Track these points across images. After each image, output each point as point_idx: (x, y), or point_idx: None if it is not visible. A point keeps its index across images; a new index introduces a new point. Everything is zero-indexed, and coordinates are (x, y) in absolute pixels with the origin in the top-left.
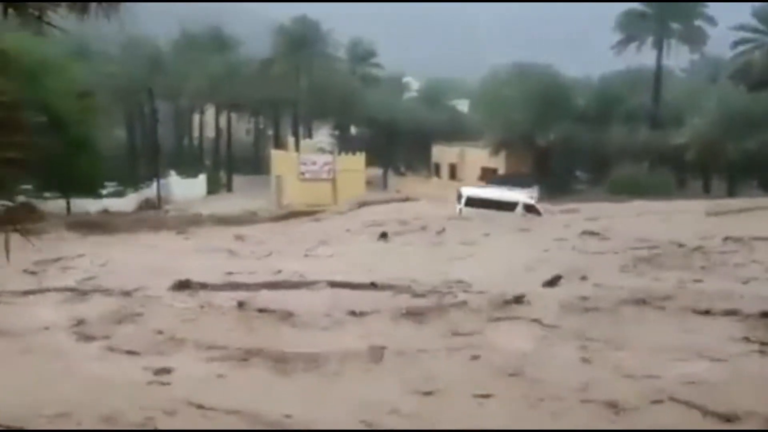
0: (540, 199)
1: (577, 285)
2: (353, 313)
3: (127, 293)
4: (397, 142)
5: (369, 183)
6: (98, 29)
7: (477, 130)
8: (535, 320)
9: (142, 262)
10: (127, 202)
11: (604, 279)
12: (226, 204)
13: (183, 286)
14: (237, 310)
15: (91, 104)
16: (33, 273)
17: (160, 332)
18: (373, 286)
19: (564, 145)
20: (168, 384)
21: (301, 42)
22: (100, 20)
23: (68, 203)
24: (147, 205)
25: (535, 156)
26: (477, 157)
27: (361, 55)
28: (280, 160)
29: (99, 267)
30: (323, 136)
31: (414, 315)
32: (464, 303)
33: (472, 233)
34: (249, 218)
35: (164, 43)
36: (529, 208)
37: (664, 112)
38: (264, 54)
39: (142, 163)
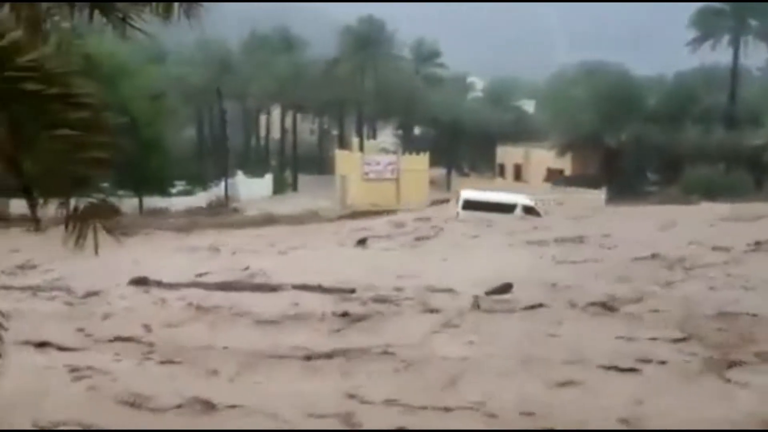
0: (609, 200)
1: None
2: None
3: None
4: (461, 143)
5: (432, 183)
6: (172, 31)
7: (543, 130)
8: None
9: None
10: (196, 201)
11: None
12: (291, 204)
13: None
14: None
15: (162, 106)
16: None
17: None
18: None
19: (634, 146)
20: None
21: (367, 42)
22: (182, 23)
23: (140, 201)
24: (216, 204)
25: (604, 157)
26: (542, 158)
27: (425, 54)
28: (344, 160)
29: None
30: (387, 136)
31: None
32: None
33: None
34: (311, 218)
35: (234, 45)
36: (528, 210)
37: (740, 112)
38: (329, 55)
39: (210, 162)
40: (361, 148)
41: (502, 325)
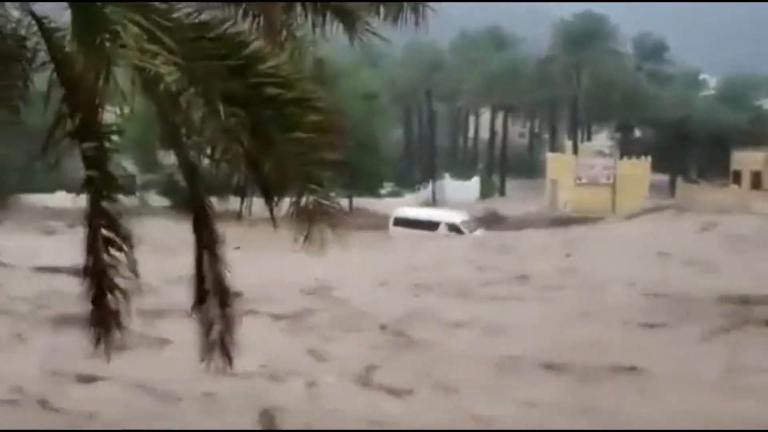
0: None
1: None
2: None
3: None
4: (689, 146)
5: (653, 190)
6: (385, 34)
7: None
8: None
9: None
10: (404, 203)
11: None
12: (498, 208)
13: None
14: None
15: (375, 107)
16: None
17: None
18: None
19: None
20: None
21: (584, 38)
22: (410, 25)
23: (351, 202)
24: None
25: None
26: None
27: (650, 50)
28: (556, 163)
29: None
30: (603, 138)
31: None
32: None
33: None
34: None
35: (444, 45)
36: (452, 228)
37: None
38: (544, 52)
39: (418, 164)
40: (575, 151)
41: None
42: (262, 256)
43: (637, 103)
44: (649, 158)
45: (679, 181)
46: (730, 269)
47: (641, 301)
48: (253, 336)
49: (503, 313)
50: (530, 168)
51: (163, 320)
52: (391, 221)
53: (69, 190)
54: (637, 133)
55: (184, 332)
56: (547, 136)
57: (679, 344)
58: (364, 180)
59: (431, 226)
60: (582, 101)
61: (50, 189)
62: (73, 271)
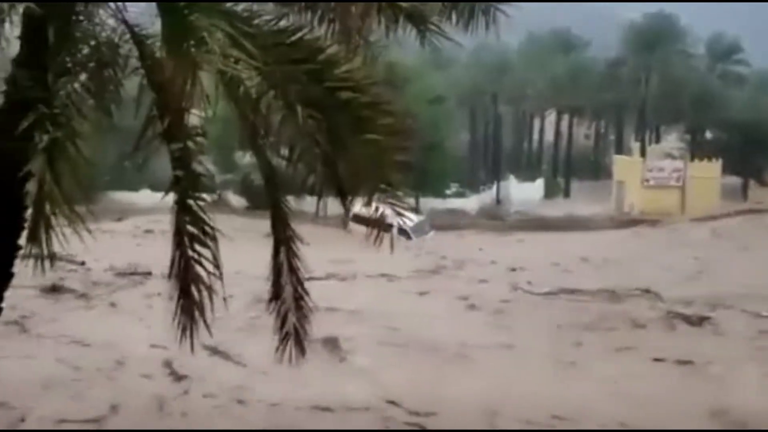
0: None
1: None
2: None
3: None
4: (762, 148)
5: (725, 193)
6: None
7: None
8: None
9: None
10: (468, 204)
11: None
12: (561, 209)
13: None
14: None
15: (442, 110)
16: None
17: None
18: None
19: None
20: None
21: (655, 39)
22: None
23: (417, 202)
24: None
25: None
26: None
27: (723, 51)
28: (622, 165)
29: None
30: (673, 140)
31: None
32: None
33: None
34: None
35: (511, 48)
36: (402, 231)
37: None
38: (612, 54)
39: (483, 165)
40: (643, 153)
41: None
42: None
43: (708, 105)
44: (720, 160)
45: (752, 184)
46: None
47: None
48: None
49: None
50: (595, 170)
51: None
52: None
53: (153, 188)
54: (708, 134)
55: None
56: (613, 137)
57: None
58: (430, 181)
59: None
60: (651, 103)
61: (135, 187)
62: None
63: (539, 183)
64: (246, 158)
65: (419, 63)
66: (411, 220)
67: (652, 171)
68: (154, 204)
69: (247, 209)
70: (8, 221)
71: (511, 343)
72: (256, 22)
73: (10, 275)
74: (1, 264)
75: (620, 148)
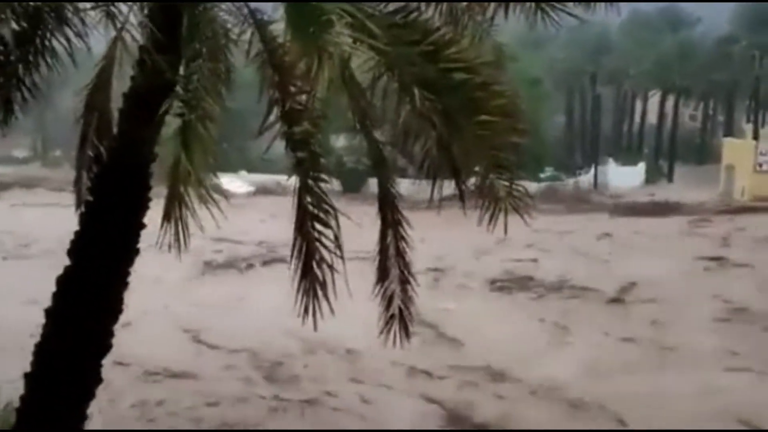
0: None
1: None
2: None
3: None
4: None
5: None
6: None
7: None
8: None
9: None
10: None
11: None
12: (663, 194)
13: None
14: None
15: (539, 91)
16: None
17: None
18: None
19: None
20: None
21: None
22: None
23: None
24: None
25: None
26: None
27: None
28: (732, 148)
29: None
30: None
31: None
32: None
33: None
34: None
35: (612, 26)
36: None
37: None
38: (723, 32)
39: (580, 149)
40: (756, 137)
41: None
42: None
43: None
44: None
45: None
46: None
47: None
48: None
49: None
50: (700, 153)
51: None
52: None
53: (249, 170)
54: None
55: None
56: (721, 119)
57: None
58: (527, 164)
59: None
60: (765, 82)
61: (234, 169)
62: None
63: (640, 167)
64: (340, 141)
65: (515, 42)
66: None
67: (765, 155)
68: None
69: (341, 193)
70: (134, 201)
71: None
72: (372, 3)
73: (137, 251)
74: (129, 241)
75: (730, 131)
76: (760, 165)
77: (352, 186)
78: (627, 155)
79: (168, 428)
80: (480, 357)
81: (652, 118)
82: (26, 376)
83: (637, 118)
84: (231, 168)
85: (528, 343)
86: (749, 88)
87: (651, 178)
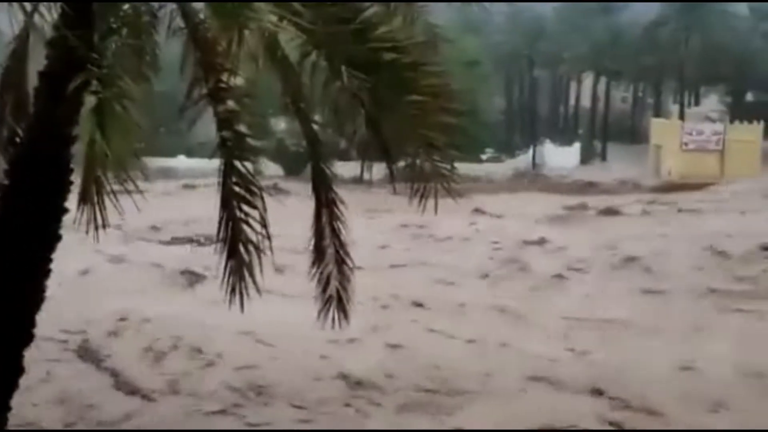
0: None
1: None
2: None
3: None
4: None
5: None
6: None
7: None
8: None
9: None
10: (503, 168)
11: None
12: (598, 174)
13: None
14: None
15: (477, 74)
16: None
17: None
18: None
19: None
20: None
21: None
22: None
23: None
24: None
25: None
26: None
27: (767, 10)
28: (660, 128)
29: None
30: (713, 103)
31: None
32: None
33: None
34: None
35: (547, 11)
36: None
37: None
38: (651, 16)
39: (518, 130)
40: (682, 116)
41: None
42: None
43: (750, 66)
44: (762, 123)
45: None
46: None
47: None
48: None
49: None
50: (633, 133)
51: None
52: None
53: (188, 154)
54: (750, 96)
55: None
56: (651, 101)
57: None
58: (465, 146)
59: None
60: (690, 65)
61: (172, 153)
62: None
63: (576, 147)
64: (281, 125)
65: (452, 25)
66: None
67: (691, 134)
68: (189, 169)
69: (282, 176)
70: (54, 184)
71: None
72: None
73: (59, 237)
74: (50, 226)
75: (659, 112)
76: (686, 144)
77: (294, 169)
78: (563, 136)
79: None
80: None
81: (585, 100)
82: None
83: (572, 101)
84: (170, 153)
85: None
86: (676, 70)
87: (586, 158)
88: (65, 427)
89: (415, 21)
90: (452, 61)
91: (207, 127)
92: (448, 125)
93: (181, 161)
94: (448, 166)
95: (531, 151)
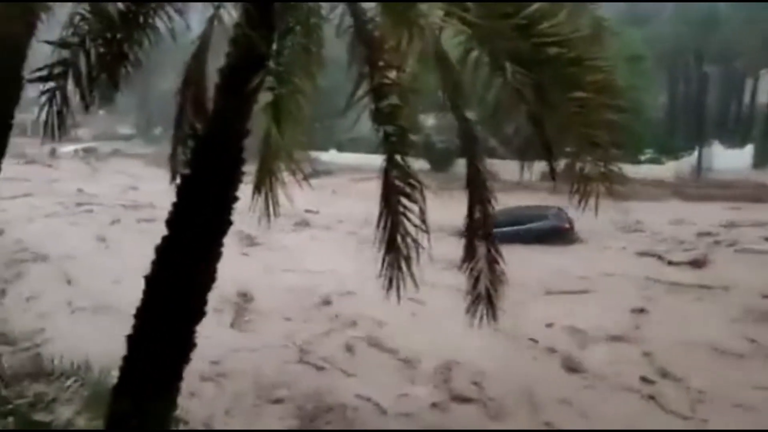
0: None
1: None
2: None
3: None
4: None
5: None
6: None
7: None
8: None
9: None
10: (664, 171)
11: None
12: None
13: None
14: None
15: (641, 69)
16: None
17: None
18: None
19: None
20: None
21: None
22: None
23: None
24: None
25: None
26: None
27: None
28: None
29: None
30: None
31: None
32: None
33: None
34: None
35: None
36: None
37: None
38: None
39: (683, 130)
40: None
41: None
42: None
43: None
44: None
45: None
46: None
47: None
48: None
49: None
50: None
51: None
52: None
53: (340, 149)
54: None
55: None
56: None
57: None
58: (624, 144)
59: None
60: None
61: (324, 147)
62: None
63: (748, 149)
64: (429, 120)
65: (616, 17)
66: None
67: None
68: (342, 164)
69: (429, 171)
70: (229, 175)
71: None
72: None
73: (230, 223)
74: (223, 213)
75: None
76: None
77: (440, 165)
78: (735, 137)
79: None
80: None
81: (764, 98)
82: (128, 338)
83: (747, 99)
84: (320, 147)
85: None
86: None
87: (760, 161)
88: None
89: (581, 14)
90: (615, 55)
91: (359, 124)
92: (612, 123)
93: (332, 155)
94: (613, 167)
95: (696, 153)
